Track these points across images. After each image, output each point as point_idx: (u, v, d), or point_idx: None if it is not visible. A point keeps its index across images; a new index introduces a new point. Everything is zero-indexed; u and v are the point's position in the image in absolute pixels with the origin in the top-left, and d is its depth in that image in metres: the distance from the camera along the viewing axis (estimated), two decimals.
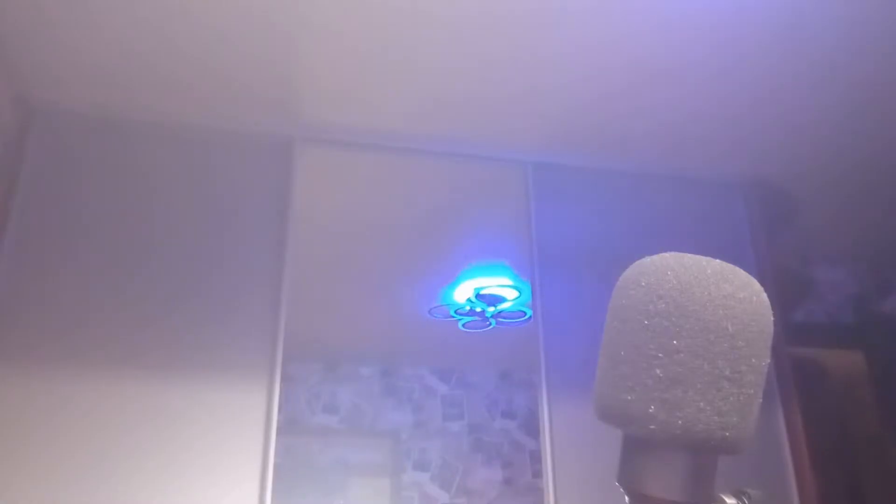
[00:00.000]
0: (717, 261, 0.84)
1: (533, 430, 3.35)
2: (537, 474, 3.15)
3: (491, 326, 3.59)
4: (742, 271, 0.84)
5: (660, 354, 0.79)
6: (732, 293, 0.81)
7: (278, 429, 2.81)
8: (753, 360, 0.80)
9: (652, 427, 0.79)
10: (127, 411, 2.69)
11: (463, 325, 3.59)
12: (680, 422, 0.78)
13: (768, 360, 0.83)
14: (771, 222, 3.63)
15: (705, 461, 0.83)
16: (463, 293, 3.54)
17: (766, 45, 2.77)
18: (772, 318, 0.84)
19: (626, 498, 0.86)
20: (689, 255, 0.85)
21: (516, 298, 3.47)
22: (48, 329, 2.73)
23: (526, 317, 3.36)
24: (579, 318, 3.21)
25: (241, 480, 2.69)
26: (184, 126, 3.10)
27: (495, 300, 3.53)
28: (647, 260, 0.87)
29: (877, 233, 4.03)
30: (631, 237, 3.40)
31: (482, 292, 3.50)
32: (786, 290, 3.96)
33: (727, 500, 0.85)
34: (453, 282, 3.54)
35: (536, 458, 3.17)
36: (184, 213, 3.00)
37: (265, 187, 3.12)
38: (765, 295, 0.84)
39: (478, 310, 3.55)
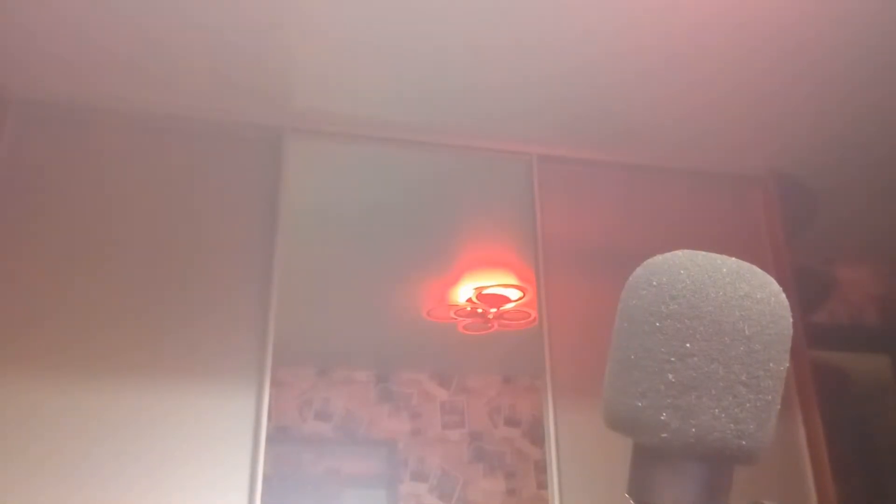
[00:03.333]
0: (734, 259, 0.85)
1: (538, 438, 3.35)
2: (542, 485, 3.15)
3: (493, 329, 3.59)
4: (760, 270, 0.85)
5: (672, 358, 0.79)
6: (749, 293, 0.81)
7: (268, 437, 2.81)
8: (771, 365, 0.80)
9: (664, 435, 0.79)
10: (109, 418, 2.69)
11: (463, 328, 3.59)
12: (693, 430, 0.78)
13: (787, 365, 0.83)
14: (791, 218, 3.62)
15: (720, 471, 0.83)
16: (463, 293, 3.54)
17: (785, 31, 2.77)
18: (791, 320, 0.84)
19: None
20: (704, 252, 0.85)
21: (520, 299, 3.47)
22: (28, 331, 2.73)
23: (530, 318, 3.36)
24: (587, 320, 3.21)
25: (229, 491, 2.69)
26: (169, 117, 3.10)
27: (498, 301, 3.52)
28: (659, 258, 0.87)
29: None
30: (641, 234, 3.41)
31: (484, 292, 3.50)
32: (806, 290, 3.94)
33: None
34: (453, 281, 3.54)
35: (541, 467, 3.17)
36: (168, 208, 3.00)
37: (253, 181, 3.13)
38: (783, 295, 0.84)
39: (479, 311, 3.54)
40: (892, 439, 4.07)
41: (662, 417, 0.79)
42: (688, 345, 0.79)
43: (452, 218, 3.47)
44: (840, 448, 3.29)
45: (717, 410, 0.78)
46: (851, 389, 4.12)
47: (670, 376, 0.79)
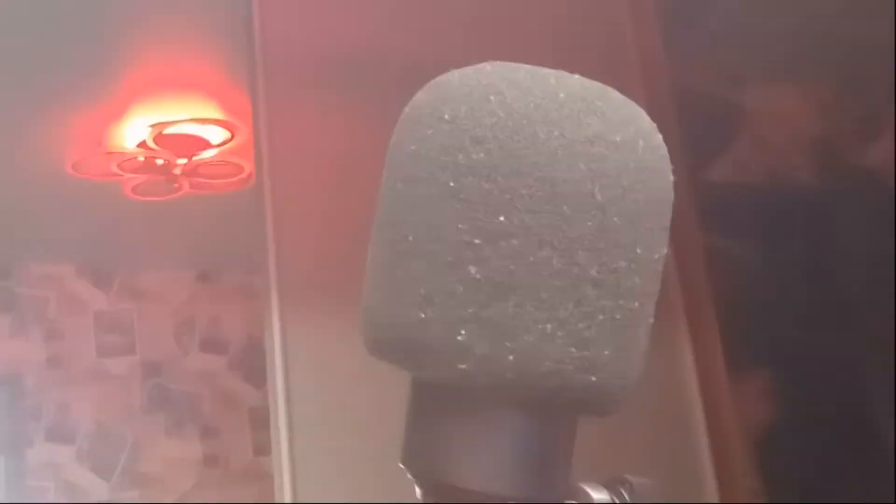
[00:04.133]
0: (577, 77, 0.81)
1: (255, 371, 3.37)
2: (262, 450, 3.16)
3: (182, 192, 3.56)
4: (620, 96, 0.82)
5: (476, 240, 0.76)
6: (602, 134, 0.77)
7: None
8: (639, 251, 0.78)
9: (462, 366, 0.76)
10: None
11: (133, 190, 3.54)
12: (511, 357, 0.75)
13: (665, 251, 0.81)
14: (673, 9, 3.64)
15: (555, 426, 0.81)
16: (133, 133, 3.49)
17: None
18: (671, 179, 0.81)
19: (417, 489, 0.84)
20: (528, 66, 0.82)
21: (226, 142, 3.45)
22: None
23: (242, 174, 3.34)
24: (335, 177, 3.20)
25: None
26: None
27: (189, 145, 3.48)
28: (455, 75, 0.83)
29: (847, 33, 4.07)
30: (424, 32, 3.39)
31: (166, 132, 3.44)
32: (698, 128, 3.85)
33: (593, 493, 0.84)
34: (116, 113, 3.49)
35: (261, 420, 3.18)
36: None
37: None
38: (660, 137, 0.82)
39: (159, 162, 3.50)
40: (801, 345, 4.06)
41: (460, 338, 0.75)
42: (501, 218, 0.75)
43: (117, 6, 3.41)
44: (749, 380, 3.29)
45: (549, 326, 0.75)
46: (759, 283, 4.03)
47: (473, 270, 0.75)
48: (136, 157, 3.44)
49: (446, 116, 0.79)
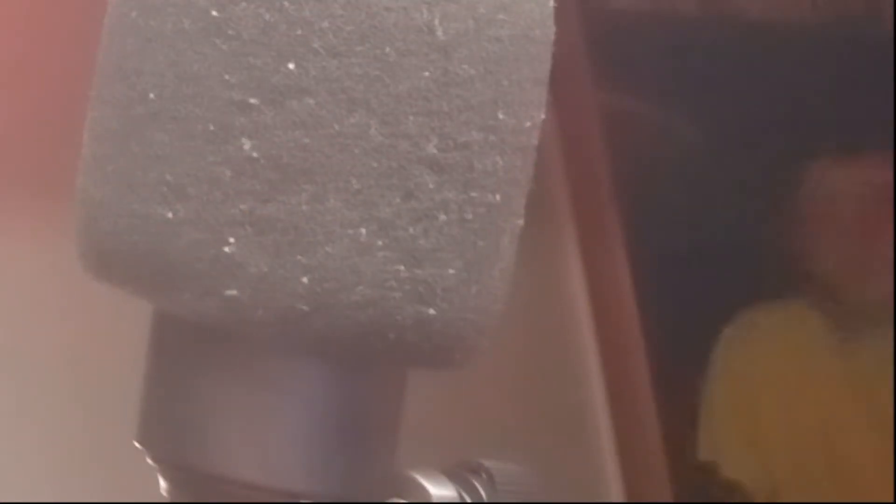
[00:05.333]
0: None
1: None
2: None
3: None
4: None
5: (251, 100, 0.53)
6: None
7: None
8: (501, 116, 0.56)
9: (230, 294, 0.53)
10: None
11: None
12: (305, 279, 0.53)
13: (541, 116, 0.59)
14: None
15: (370, 387, 0.59)
16: None
17: None
18: (551, 6, 0.59)
19: (161, 480, 0.60)
20: None
21: None
22: None
23: None
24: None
25: None
26: None
27: None
28: None
29: None
30: None
31: None
32: None
33: (431, 487, 0.61)
34: None
35: None
36: None
37: None
38: None
39: None
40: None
41: (227, 249, 0.53)
42: (290, 65, 0.53)
43: None
44: (658, 297, 2.72)
45: (364, 231, 0.53)
46: (697, 170, 3.19)
47: (246, 145, 0.53)
48: None
49: None
